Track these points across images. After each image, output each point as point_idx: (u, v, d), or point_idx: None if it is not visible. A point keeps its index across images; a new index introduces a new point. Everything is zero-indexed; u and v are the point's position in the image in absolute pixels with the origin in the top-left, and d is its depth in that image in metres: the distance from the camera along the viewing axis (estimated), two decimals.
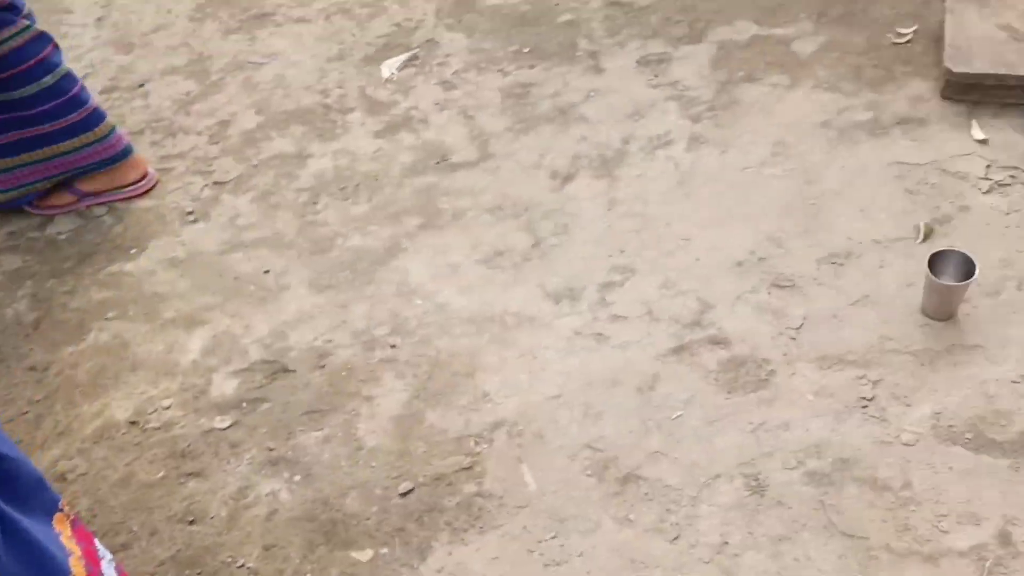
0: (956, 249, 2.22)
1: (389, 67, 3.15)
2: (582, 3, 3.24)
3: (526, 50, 3.11)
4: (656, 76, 2.93)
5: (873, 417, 2.07)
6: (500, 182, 2.73)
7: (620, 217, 2.58)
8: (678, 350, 2.26)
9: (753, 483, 2.00)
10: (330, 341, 2.40)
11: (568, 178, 2.70)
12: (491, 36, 3.19)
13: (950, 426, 2.03)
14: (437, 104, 3.00)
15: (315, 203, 2.76)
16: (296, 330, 2.44)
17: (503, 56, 3.11)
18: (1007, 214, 2.38)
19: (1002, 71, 2.55)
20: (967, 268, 2.16)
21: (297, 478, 2.13)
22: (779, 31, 2.98)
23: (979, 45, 2.63)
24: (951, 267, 2.20)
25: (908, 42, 2.86)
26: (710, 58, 2.94)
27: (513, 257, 2.54)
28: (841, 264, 2.36)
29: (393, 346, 2.37)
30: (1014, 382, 2.08)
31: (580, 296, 2.41)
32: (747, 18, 3.05)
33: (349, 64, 3.20)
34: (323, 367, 2.35)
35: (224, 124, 3.07)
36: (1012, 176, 2.46)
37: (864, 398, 2.11)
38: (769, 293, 2.34)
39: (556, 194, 2.66)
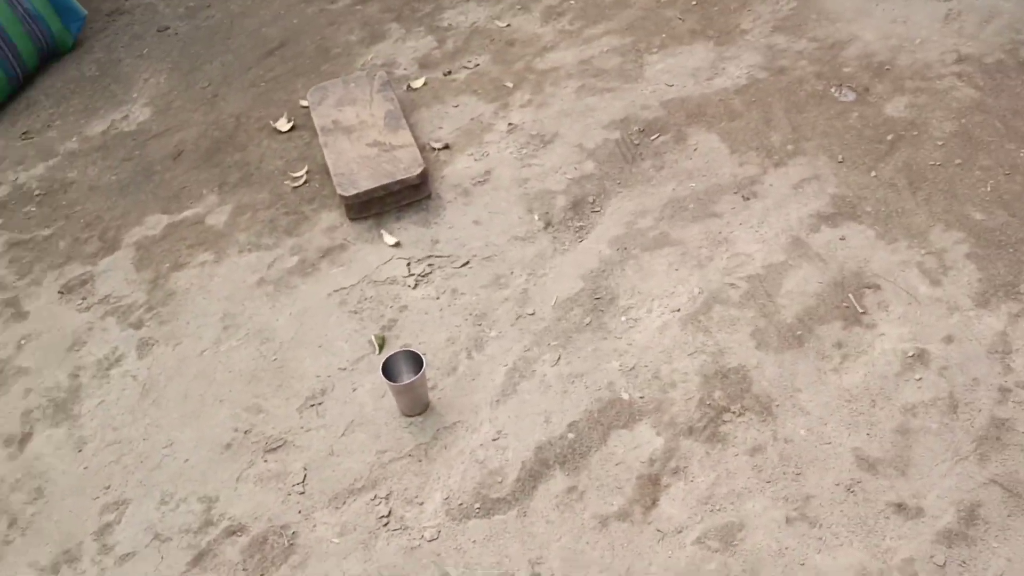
0: (403, 348, 2.41)
1: None
2: None
3: None
4: (84, 299, 2.81)
5: (396, 530, 2.15)
6: None
7: (95, 454, 2.41)
8: (198, 559, 2.16)
9: None
10: None
11: (25, 438, 2.47)
12: None
13: (461, 504, 2.18)
14: None
15: None
16: None
17: None
18: (437, 299, 2.65)
19: (385, 181, 2.85)
20: (419, 361, 2.35)
21: None
22: (189, 213, 3.04)
23: (359, 166, 2.92)
24: (406, 365, 2.38)
25: (305, 183, 3.08)
26: (132, 261, 2.90)
27: None
28: (320, 403, 2.44)
29: None
30: (494, 440, 2.29)
31: (79, 555, 2.20)
32: (154, 211, 3.07)
33: None
34: None
35: None
36: (429, 265, 2.74)
37: (382, 516, 2.18)
38: (265, 460, 2.34)
39: (18, 460, 2.42)
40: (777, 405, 2.24)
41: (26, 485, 2.37)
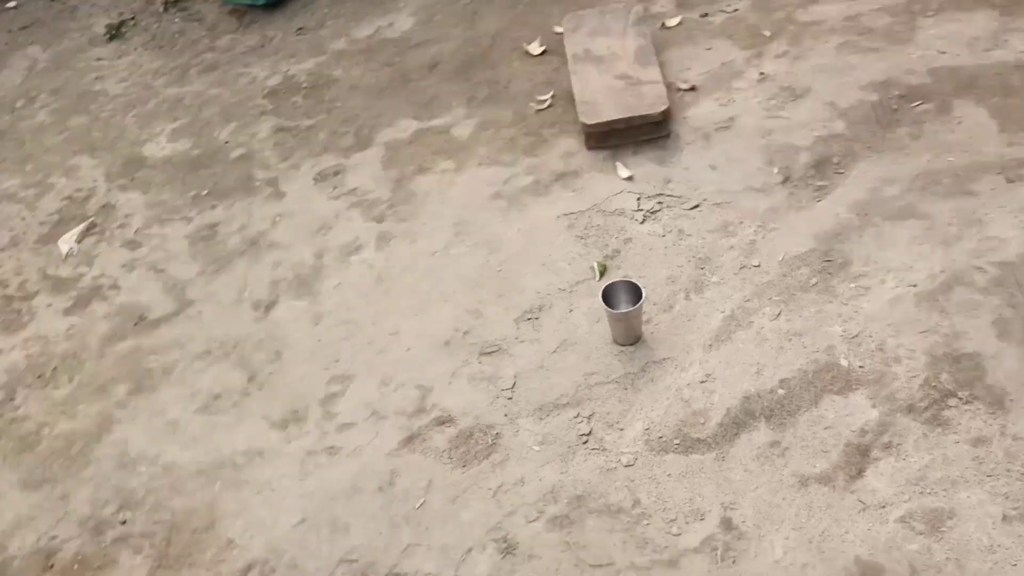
0: (624, 279, 2.45)
1: (67, 242, 3.06)
2: (250, 136, 3.31)
3: (205, 192, 3.13)
4: (335, 188, 3.03)
5: (594, 449, 2.22)
6: (205, 326, 2.71)
7: (328, 329, 2.62)
8: (409, 440, 2.32)
9: (503, 545, 2.08)
10: (55, 537, 2.26)
11: (271, 305, 2.72)
12: (167, 187, 3.19)
13: (660, 437, 2.22)
14: (124, 266, 2.94)
15: (12, 399, 2.61)
16: (15, 537, 2.28)
17: (183, 204, 3.11)
18: (663, 236, 2.66)
19: (627, 115, 2.87)
20: (638, 293, 2.39)
21: None
22: (437, 122, 3.18)
23: (604, 97, 2.94)
24: (624, 295, 2.42)
25: (549, 107, 3.15)
26: (381, 160, 3.09)
27: (232, 397, 2.51)
28: (536, 318, 2.53)
29: (124, 522, 2.26)
30: (702, 382, 2.30)
31: (305, 416, 2.42)
32: (407, 116, 3.24)
33: (23, 249, 3.08)
34: (52, 567, 2.20)
35: None
36: (659, 203, 2.75)
37: (583, 434, 2.26)
38: (480, 362, 2.46)
39: (262, 323, 2.68)
40: (1011, 399, 2.11)
41: (267, 347, 2.62)
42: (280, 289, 2.76)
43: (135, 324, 2.75)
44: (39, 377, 2.65)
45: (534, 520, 2.11)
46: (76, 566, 2.19)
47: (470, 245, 2.76)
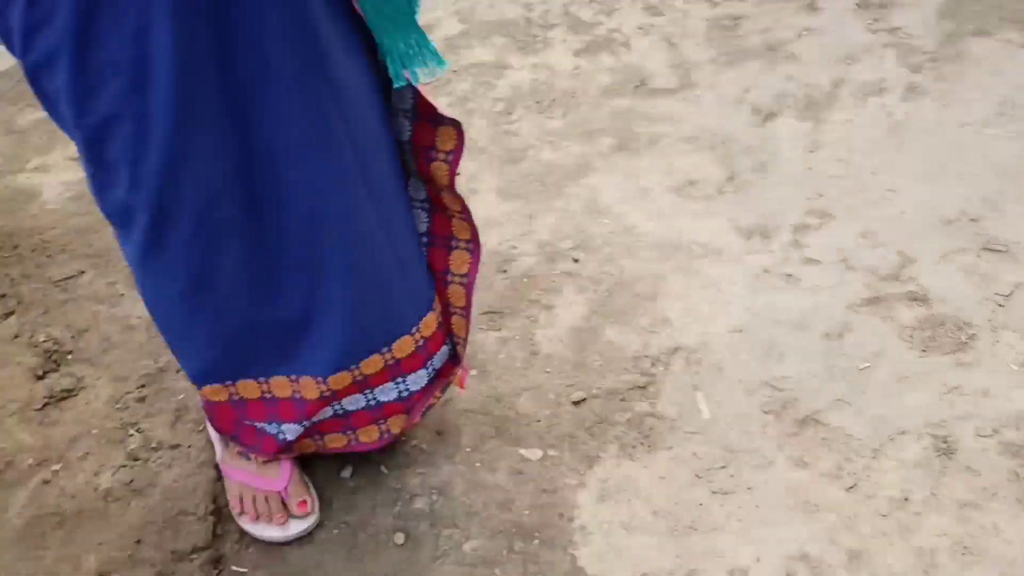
0: None
1: None
2: None
3: None
4: (876, 20, 2.78)
5: None
6: (699, 112, 2.67)
7: (822, 161, 2.48)
8: (872, 301, 2.18)
9: (942, 445, 1.92)
10: (514, 248, 2.42)
11: (771, 116, 2.61)
12: None
13: None
14: (641, 28, 2.94)
15: (510, 113, 2.77)
16: (482, 233, 2.47)
17: None
18: None
19: None
20: None
21: (473, 372, 2.17)
22: None
23: None
24: None
25: None
26: (938, 7, 2.78)
27: (706, 188, 2.49)
28: None
29: (576, 260, 2.37)
30: None
31: (772, 235, 2.35)
32: None
33: None
34: (505, 272, 2.37)
35: (427, 29, 3.09)
36: None
37: None
38: (978, 256, 2.21)
39: (757, 130, 2.59)
40: None
41: (754, 154, 2.54)
42: (785, 104, 2.63)
43: (635, 87, 2.77)
44: (537, 103, 2.79)
45: (986, 436, 1.92)
46: (525, 279, 2.35)
47: (1012, 130, 2.44)
